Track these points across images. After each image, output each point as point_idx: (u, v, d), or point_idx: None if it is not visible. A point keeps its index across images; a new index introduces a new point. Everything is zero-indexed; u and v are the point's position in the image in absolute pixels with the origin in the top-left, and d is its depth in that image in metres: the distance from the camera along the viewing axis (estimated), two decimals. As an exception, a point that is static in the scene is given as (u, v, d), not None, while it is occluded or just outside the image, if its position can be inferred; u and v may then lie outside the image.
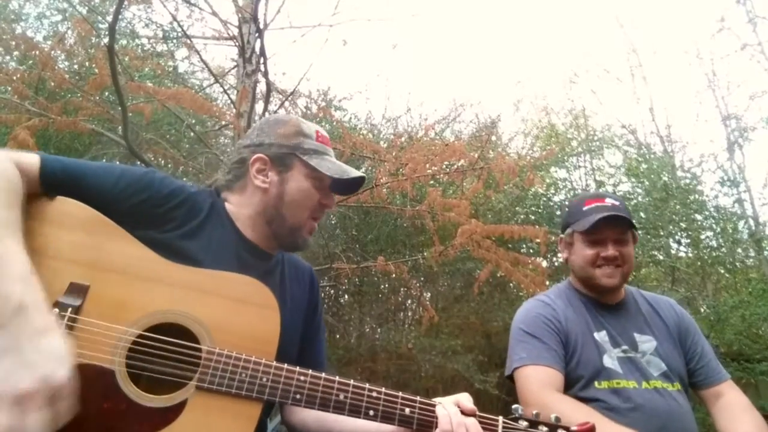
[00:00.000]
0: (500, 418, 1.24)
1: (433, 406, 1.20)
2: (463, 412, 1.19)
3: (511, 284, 9.83)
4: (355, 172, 1.48)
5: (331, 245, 8.74)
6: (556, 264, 11.42)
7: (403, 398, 1.20)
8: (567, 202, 2.10)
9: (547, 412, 1.31)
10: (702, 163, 12.96)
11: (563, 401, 1.73)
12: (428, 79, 23.38)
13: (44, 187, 1.21)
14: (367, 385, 1.20)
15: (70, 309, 1.11)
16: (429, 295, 10.58)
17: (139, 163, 5.83)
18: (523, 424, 1.24)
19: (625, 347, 1.87)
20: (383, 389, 1.21)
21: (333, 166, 1.47)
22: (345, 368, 8.57)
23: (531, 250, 10.08)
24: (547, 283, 7.42)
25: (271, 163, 1.46)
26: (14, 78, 6.35)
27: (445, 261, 7.76)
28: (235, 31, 7.04)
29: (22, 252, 1.05)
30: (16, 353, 0.93)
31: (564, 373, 1.83)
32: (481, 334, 10.29)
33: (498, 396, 7.92)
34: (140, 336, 1.14)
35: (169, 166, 8.29)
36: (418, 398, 1.21)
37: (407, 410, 1.19)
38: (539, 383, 1.76)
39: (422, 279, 10.00)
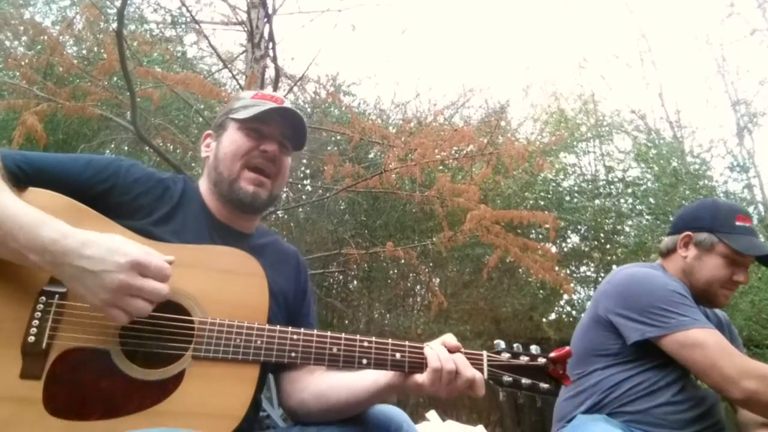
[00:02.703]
0: (484, 352, 1.30)
1: (422, 348, 1.25)
2: (449, 350, 1.24)
3: (520, 269, 9.83)
4: (269, 105, 1.45)
5: (340, 231, 8.77)
6: (565, 249, 11.41)
7: (393, 344, 1.25)
8: (706, 201, 2.00)
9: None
10: (711, 148, 12.84)
11: None
12: (437, 64, 23.29)
13: (11, 179, 1.21)
14: (358, 336, 1.25)
15: (57, 296, 1.12)
16: (438, 280, 10.58)
17: (147, 148, 5.84)
18: (506, 356, 1.30)
19: None
20: (374, 338, 1.26)
21: (255, 109, 1.44)
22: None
23: (540, 236, 10.06)
24: (556, 268, 7.41)
25: (213, 133, 1.55)
26: (23, 63, 6.37)
27: (454, 246, 7.76)
28: (244, 16, 7.04)
29: (22, 203, 1.10)
30: (84, 274, 1.05)
31: None
32: (491, 319, 10.32)
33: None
34: None
35: (178, 151, 8.30)
36: (407, 343, 1.26)
37: (398, 355, 1.24)
38: (730, 347, 1.69)
39: (431, 264, 10.00)
